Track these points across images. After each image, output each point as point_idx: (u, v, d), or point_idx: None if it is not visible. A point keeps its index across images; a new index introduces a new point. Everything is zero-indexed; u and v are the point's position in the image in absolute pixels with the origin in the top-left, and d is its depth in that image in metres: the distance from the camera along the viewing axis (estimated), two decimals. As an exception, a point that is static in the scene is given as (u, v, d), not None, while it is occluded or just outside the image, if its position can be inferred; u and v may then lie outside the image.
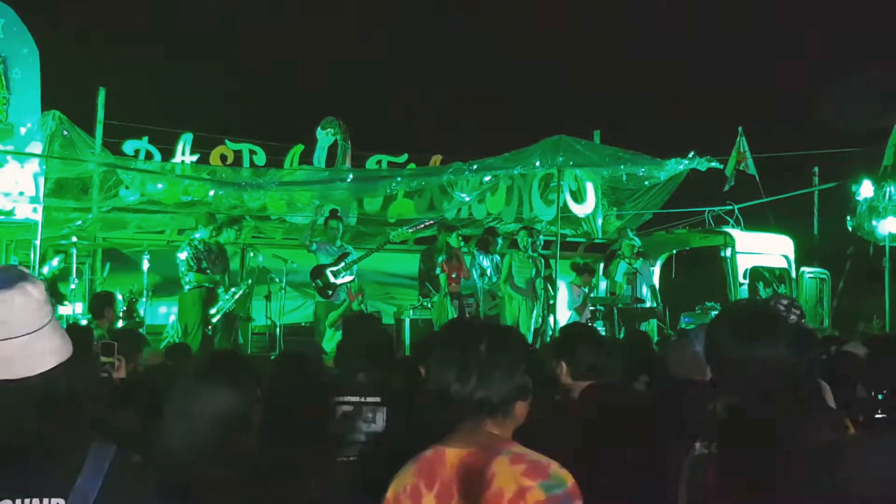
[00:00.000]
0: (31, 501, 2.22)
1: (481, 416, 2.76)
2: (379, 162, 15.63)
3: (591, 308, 14.35)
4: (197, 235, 12.02)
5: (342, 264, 12.38)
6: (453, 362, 2.77)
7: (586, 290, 14.35)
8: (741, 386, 3.18)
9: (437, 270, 12.86)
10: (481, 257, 13.65)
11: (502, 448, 2.69)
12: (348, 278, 12.43)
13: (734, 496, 2.72)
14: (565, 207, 15.45)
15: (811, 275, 16.33)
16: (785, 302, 5.11)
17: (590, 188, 16.03)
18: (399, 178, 15.16)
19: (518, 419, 2.83)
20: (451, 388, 2.76)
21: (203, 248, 11.83)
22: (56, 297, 12.07)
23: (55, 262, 12.26)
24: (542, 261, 13.75)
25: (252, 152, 14.76)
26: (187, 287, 11.65)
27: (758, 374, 3.12)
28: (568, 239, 15.57)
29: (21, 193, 12.67)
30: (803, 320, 5.02)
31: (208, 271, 11.74)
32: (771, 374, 3.11)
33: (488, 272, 13.58)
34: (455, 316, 12.50)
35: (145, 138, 14.17)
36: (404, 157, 15.76)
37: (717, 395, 3.37)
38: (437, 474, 2.72)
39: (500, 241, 14.01)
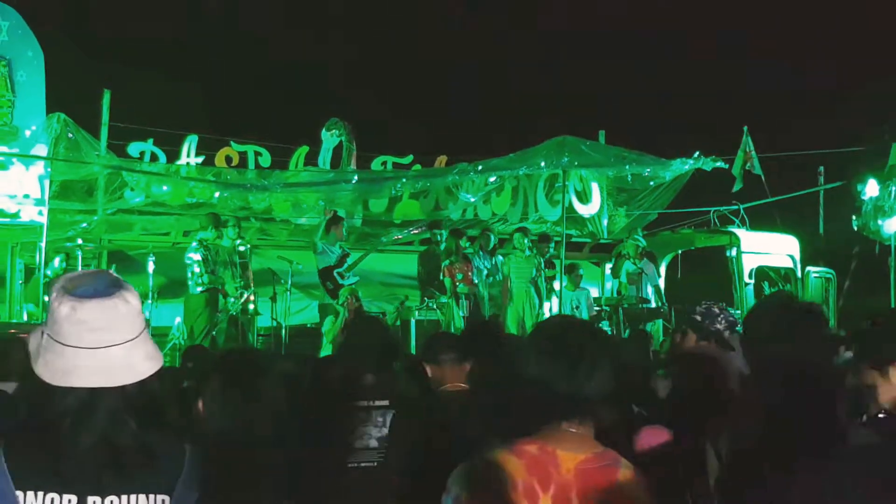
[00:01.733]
0: (137, 498, 2.28)
1: (576, 417, 2.73)
2: (384, 163, 15.67)
3: (597, 308, 14.39)
4: (204, 236, 12.14)
5: (345, 265, 12.41)
6: (561, 359, 2.73)
7: (575, 292, 14.50)
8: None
9: (441, 276, 12.97)
10: (481, 258, 13.66)
11: (619, 458, 2.70)
12: (354, 280, 12.47)
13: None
14: (571, 208, 15.49)
15: (817, 274, 16.32)
16: (716, 310, 5.07)
17: (595, 189, 16.06)
18: (404, 180, 15.14)
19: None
20: (554, 385, 2.72)
21: (214, 250, 11.92)
22: None
23: (56, 262, 12.31)
24: (540, 261, 13.83)
25: (257, 154, 14.79)
26: (199, 289, 11.75)
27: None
28: (573, 239, 15.58)
29: (26, 196, 12.71)
30: (736, 328, 4.90)
31: (216, 273, 11.82)
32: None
33: (484, 273, 13.60)
34: (466, 316, 12.57)
35: (150, 140, 14.19)
36: (409, 159, 15.79)
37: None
38: (552, 477, 2.67)
39: (492, 238, 14.14)
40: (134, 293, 2.35)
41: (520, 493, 2.65)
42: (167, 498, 2.33)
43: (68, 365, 2.26)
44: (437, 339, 5.52)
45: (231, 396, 3.34)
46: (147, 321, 2.46)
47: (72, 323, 2.25)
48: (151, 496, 2.31)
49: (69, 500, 2.28)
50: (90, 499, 2.29)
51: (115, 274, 2.56)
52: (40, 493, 2.27)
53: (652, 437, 3.87)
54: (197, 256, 11.74)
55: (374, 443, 4.68)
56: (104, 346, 2.26)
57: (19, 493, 2.26)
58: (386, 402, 4.74)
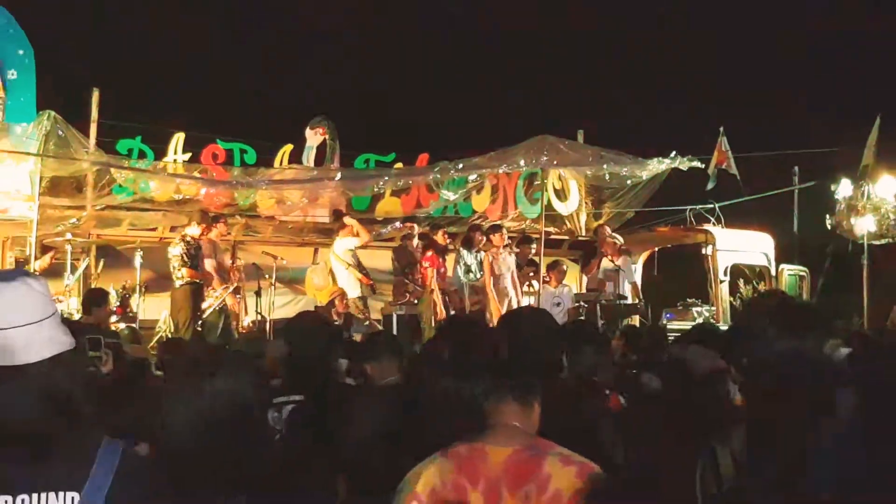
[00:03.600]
0: (48, 496, 2.24)
1: (511, 400, 2.80)
2: (367, 161, 15.66)
3: (576, 304, 14.48)
4: (189, 232, 12.17)
5: None
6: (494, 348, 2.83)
7: (554, 289, 14.59)
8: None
9: (427, 264, 13.06)
10: (466, 254, 13.79)
11: (548, 449, 2.74)
12: None
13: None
14: (549, 206, 15.53)
15: (791, 272, 16.39)
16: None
17: (573, 187, 16.10)
18: (386, 178, 15.13)
19: (536, 418, 2.87)
20: (486, 373, 2.83)
21: (195, 245, 12.02)
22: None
23: (46, 257, 12.37)
24: (517, 259, 14.03)
25: (243, 151, 14.78)
26: (178, 283, 11.79)
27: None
28: (552, 237, 15.61)
29: (17, 191, 12.76)
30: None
31: (199, 268, 11.94)
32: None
33: (473, 268, 13.71)
34: (441, 310, 12.68)
35: (138, 138, 14.21)
36: (392, 157, 15.79)
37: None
38: (480, 472, 2.71)
39: (483, 238, 14.10)
40: (39, 280, 2.40)
41: (449, 491, 2.72)
42: (76, 495, 2.27)
43: None
44: (374, 340, 5.53)
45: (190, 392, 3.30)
46: (55, 308, 2.42)
47: None
48: (61, 493, 2.27)
49: None
50: (3, 500, 2.25)
51: (23, 269, 2.70)
52: None
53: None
54: (177, 251, 11.79)
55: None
56: (2, 327, 2.28)
57: None
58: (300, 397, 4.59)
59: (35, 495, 2.24)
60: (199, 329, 11.65)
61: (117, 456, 2.31)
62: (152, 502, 2.39)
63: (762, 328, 3.33)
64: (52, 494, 2.25)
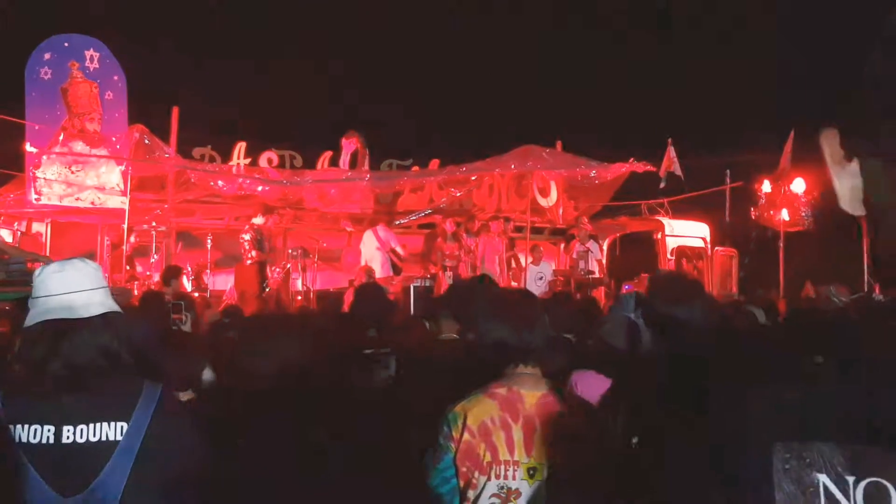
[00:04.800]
0: (101, 425, 2.28)
1: (530, 359, 2.80)
2: (390, 164, 15.62)
3: (552, 279, 14.53)
4: (255, 221, 12.26)
5: None
6: (520, 318, 2.80)
7: (537, 267, 14.75)
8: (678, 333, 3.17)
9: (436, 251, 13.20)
10: (468, 239, 13.85)
11: (553, 392, 2.78)
12: None
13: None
14: (534, 201, 15.54)
15: (723, 252, 16.43)
16: None
17: (553, 185, 16.03)
18: (405, 178, 15.28)
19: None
20: (512, 337, 2.79)
21: (260, 232, 12.14)
22: (132, 267, 12.46)
23: (132, 238, 12.51)
24: (507, 242, 14.24)
25: (292, 156, 14.78)
26: (248, 261, 11.90)
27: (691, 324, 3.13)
28: (536, 226, 15.63)
29: (112, 188, 12.77)
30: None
31: (264, 250, 12.05)
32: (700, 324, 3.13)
33: (473, 250, 13.81)
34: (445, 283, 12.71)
35: (209, 146, 14.24)
36: (409, 161, 15.76)
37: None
38: (519, 411, 2.71)
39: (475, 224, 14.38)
40: (94, 263, 2.59)
41: (497, 426, 2.72)
42: (125, 425, 2.29)
43: (40, 310, 2.42)
44: (433, 302, 5.50)
45: (256, 346, 3.34)
46: (105, 283, 2.58)
47: (44, 279, 2.47)
48: (112, 423, 2.28)
49: (48, 430, 2.26)
50: (65, 429, 2.27)
51: (82, 258, 2.76)
52: (27, 426, 2.26)
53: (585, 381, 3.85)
54: (248, 237, 11.89)
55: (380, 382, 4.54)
56: (63, 292, 2.42)
57: (11, 428, 2.26)
58: (388, 350, 4.58)
59: (92, 425, 2.27)
60: (264, 298, 11.73)
61: (157, 397, 2.36)
62: (182, 434, 2.43)
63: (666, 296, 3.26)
64: (104, 424, 2.28)
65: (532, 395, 2.73)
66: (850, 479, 1.64)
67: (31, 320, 2.40)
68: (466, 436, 2.69)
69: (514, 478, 2.65)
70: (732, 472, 1.84)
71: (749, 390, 1.94)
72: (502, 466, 2.66)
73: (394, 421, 3.19)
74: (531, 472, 2.67)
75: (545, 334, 2.84)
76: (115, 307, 2.48)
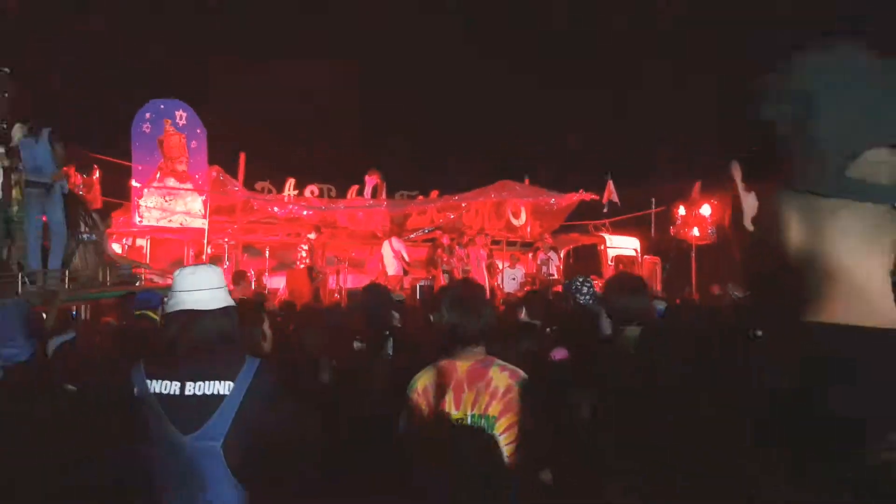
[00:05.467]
0: (213, 383, 2.31)
1: (476, 341, 2.70)
2: (401, 194, 15.60)
3: (522, 280, 14.53)
4: (309, 237, 12.51)
5: None
6: (467, 310, 2.69)
7: (512, 270, 14.65)
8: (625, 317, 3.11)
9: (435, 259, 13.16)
10: (459, 250, 13.86)
11: (492, 362, 2.64)
12: None
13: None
14: (509, 221, 15.56)
15: (649, 260, 16.45)
16: (580, 279, 4.75)
17: (523, 210, 16.07)
18: (412, 205, 15.32)
19: (484, 348, 2.76)
20: (461, 324, 2.69)
21: (312, 245, 12.30)
22: None
23: (209, 250, 12.52)
24: (488, 252, 14.17)
25: (329, 189, 14.76)
26: (302, 266, 12.07)
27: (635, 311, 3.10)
28: (510, 240, 15.64)
29: (195, 212, 12.82)
30: (592, 293, 4.62)
31: (313, 259, 12.16)
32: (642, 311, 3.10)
33: (463, 258, 13.79)
34: (443, 283, 12.71)
35: (267, 181, 14.22)
36: (416, 192, 15.75)
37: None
38: (453, 377, 2.63)
39: (465, 238, 14.29)
40: (214, 269, 2.57)
41: (433, 387, 2.65)
42: (231, 383, 2.30)
43: (178, 300, 2.41)
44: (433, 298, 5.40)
45: (308, 331, 3.37)
46: (223, 283, 2.56)
47: (181, 279, 2.46)
48: (222, 382, 2.30)
49: (175, 385, 2.30)
50: (188, 384, 2.31)
51: (210, 264, 2.78)
52: (160, 381, 2.30)
53: (559, 353, 3.80)
54: (305, 247, 12.15)
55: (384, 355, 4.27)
56: (194, 289, 2.42)
57: (149, 382, 2.30)
58: (387, 333, 4.37)
59: (207, 382, 2.29)
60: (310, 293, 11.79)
61: (256, 366, 2.37)
62: (272, 394, 2.41)
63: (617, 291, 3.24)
64: (216, 382, 2.30)
65: (464, 365, 2.63)
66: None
67: (170, 308, 2.43)
68: (414, 396, 2.65)
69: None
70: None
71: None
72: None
73: (388, 388, 3.18)
74: (462, 420, 2.58)
75: (488, 322, 2.70)
76: (231, 302, 2.49)
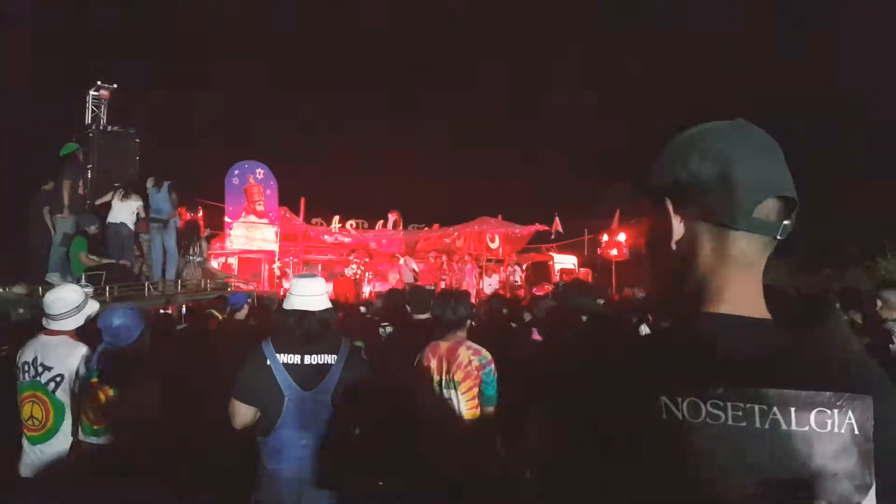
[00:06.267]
0: (323, 356, 2.24)
1: (455, 328, 2.64)
2: (413, 226, 15.45)
3: (496, 286, 14.45)
4: (355, 257, 12.44)
5: None
6: (446, 304, 2.67)
7: (489, 279, 14.54)
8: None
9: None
10: (454, 265, 13.84)
11: (463, 343, 2.60)
12: None
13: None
14: (488, 246, 15.51)
15: (584, 272, 16.19)
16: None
17: (497, 237, 16.03)
18: (421, 234, 15.20)
19: (466, 331, 2.72)
20: (444, 315, 2.65)
21: (361, 263, 12.31)
22: (280, 283, 12.15)
23: (278, 265, 12.41)
24: (475, 267, 14.04)
25: (362, 223, 14.63)
26: (350, 275, 11.99)
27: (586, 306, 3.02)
28: (489, 258, 15.57)
29: (267, 239, 12.75)
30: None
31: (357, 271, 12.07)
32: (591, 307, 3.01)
33: (456, 271, 13.73)
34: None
35: (320, 217, 14.15)
36: (423, 226, 15.59)
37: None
38: (437, 353, 2.60)
39: (457, 258, 14.21)
40: (321, 280, 2.42)
41: (425, 360, 2.60)
42: (335, 355, 2.25)
43: (294, 302, 2.29)
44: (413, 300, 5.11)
45: (348, 320, 3.29)
46: (325, 289, 2.42)
47: (298, 285, 2.34)
48: (329, 355, 2.24)
49: (296, 357, 2.21)
50: (305, 356, 2.22)
51: (317, 273, 2.70)
52: (290, 354, 2.21)
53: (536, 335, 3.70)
54: (353, 264, 12.11)
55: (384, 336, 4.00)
56: (308, 294, 2.30)
57: (278, 355, 2.22)
58: (387, 323, 4.09)
59: (318, 355, 2.22)
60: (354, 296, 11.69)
61: (349, 344, 2.32)
62: (360, 363, 2.34)
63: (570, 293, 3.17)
64: (325, 354, 2.24)
65: (445, 344, 2.59)
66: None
67: (288, 306, 2.32)
68: (418, 366, 2.63)
69: (431, 386, 2.59)
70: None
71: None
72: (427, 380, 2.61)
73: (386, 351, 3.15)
74: (438, 383, 2.57)
75: (462, 316, 2.63)
76: (329, 304, 2.36)
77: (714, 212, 0.71)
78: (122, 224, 7.04)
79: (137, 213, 7.19)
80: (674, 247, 0.74)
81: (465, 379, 2.51)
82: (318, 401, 2.18)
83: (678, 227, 0.74)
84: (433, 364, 2.58)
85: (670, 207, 0.74)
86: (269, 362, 2.20)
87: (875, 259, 10.92)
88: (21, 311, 5.25)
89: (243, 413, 2.21)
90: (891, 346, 2.68)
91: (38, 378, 2.51)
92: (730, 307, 0.70)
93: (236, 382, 2.23)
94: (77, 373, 2.51)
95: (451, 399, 2.52)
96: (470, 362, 2.53)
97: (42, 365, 2.52)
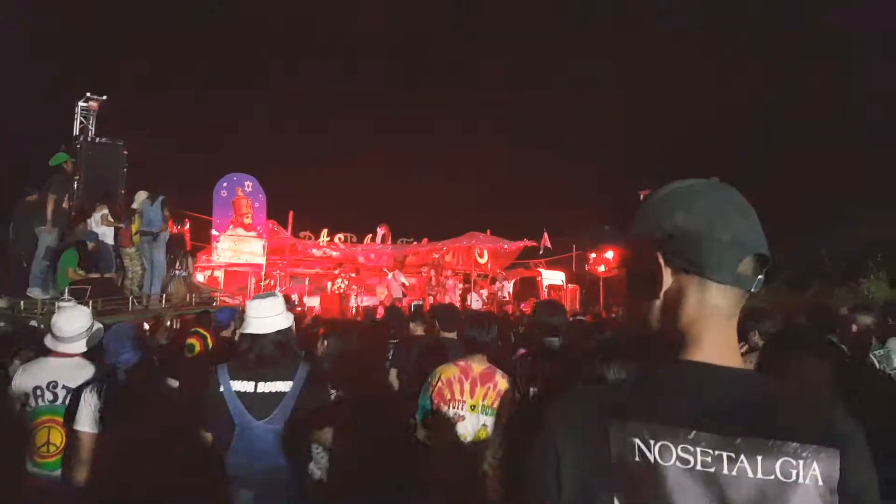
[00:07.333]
0: (276, 383, 2.14)
1: (483, 350, 2.60)
2: (401, 241, 15.45)
3: (485, 300, 14.36)
4: (342, 272, 12.46)
5: None
6: (481, 326, 2.60)
7: (477, 294, 14.57)
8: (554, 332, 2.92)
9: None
10: (441, 280, 13.85)
11: (497, 369, 2.58)
12: None
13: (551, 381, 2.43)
14: (476, 261, 15.52)
15: (572, 288, 16.38)
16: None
17: (486, 252, 16.07)
18: (410, 248, 15.17)
19: (486, 357, 2.64)
20: (480, 337, 2.59)
21: (347, 278, 12.32)
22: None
23: (264, 279, 12.35)
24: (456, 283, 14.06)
25: (350, 237, 14.57)
26: (336, 291, 12.02)
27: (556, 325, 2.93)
28: (478, 273, 15.58)
29: (255, 252, 12.68)
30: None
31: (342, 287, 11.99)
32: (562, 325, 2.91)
33: (443, 286, 13.73)
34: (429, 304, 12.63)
35: (308, 230, 14.08)
36: (412, 239, 15.60)
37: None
38: (470, 374, 2.54)
39: (444, 272, 14.23)
40: (278, 299, 2.30)
41: (456, 380, 2.55)
42: (290, 382, 2.16)
43: (248, 323, 2.23)
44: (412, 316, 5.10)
45: (334, 341, 3.20)
46: (286, 307, 2.32)
47: (251, 307, 2.27)
48: (281, 382, 2.16)
49: (250, 384, 2.14)
50: (259, 384, 2.14)
51: (274, 292, 2.61)
52: (239, 381, 2.14)
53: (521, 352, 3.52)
54: (339, 278, 12.12)
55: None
56: (260, 316, 2.23)
57: (232, 382, 2.15)
58: (396, 340, 4.03)
59: (272, 382, 2.15)
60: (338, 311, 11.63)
61: (308, 369, 2.21)
62: (319, 389, 2.27)
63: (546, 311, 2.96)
64: (279, 382, 2.15)
65: (478, 367, 2.58)
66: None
67: (244, 329, 2.25)
68: (439, 384, 2.57)
69: (461, 409, 2.53)
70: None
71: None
72: (457, 402, 2.55)
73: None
74: (472, 407, 2.54)
75: (492, 336, 2.64)
76: (287, 324, 2.27)
77: (702, 266, 0.73)
78: (102, 238, 7.05)
79: (104, 217, 7.15)
80: (661, 297, 0.75)
81: (500, 406, 2.50)
82: (270, 430, 2.11)
83: (667, 278, 0.75)
84: (466, 386, 2.53)
85: (661, 259, 0.75)
86: (221, 389, 2.15)
87: (858, 281, 11.14)
88: (2, 324, 5.19)
89: (207, 439, 2.17)
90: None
91: (56, 402, 2.43)
92: (707, 356, 0.72)
93: (198, 408, 2.21)
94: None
95: (486, 426, 2.50)
96: (506, 392, 2.52)
97: (65, 387, 2.44)
